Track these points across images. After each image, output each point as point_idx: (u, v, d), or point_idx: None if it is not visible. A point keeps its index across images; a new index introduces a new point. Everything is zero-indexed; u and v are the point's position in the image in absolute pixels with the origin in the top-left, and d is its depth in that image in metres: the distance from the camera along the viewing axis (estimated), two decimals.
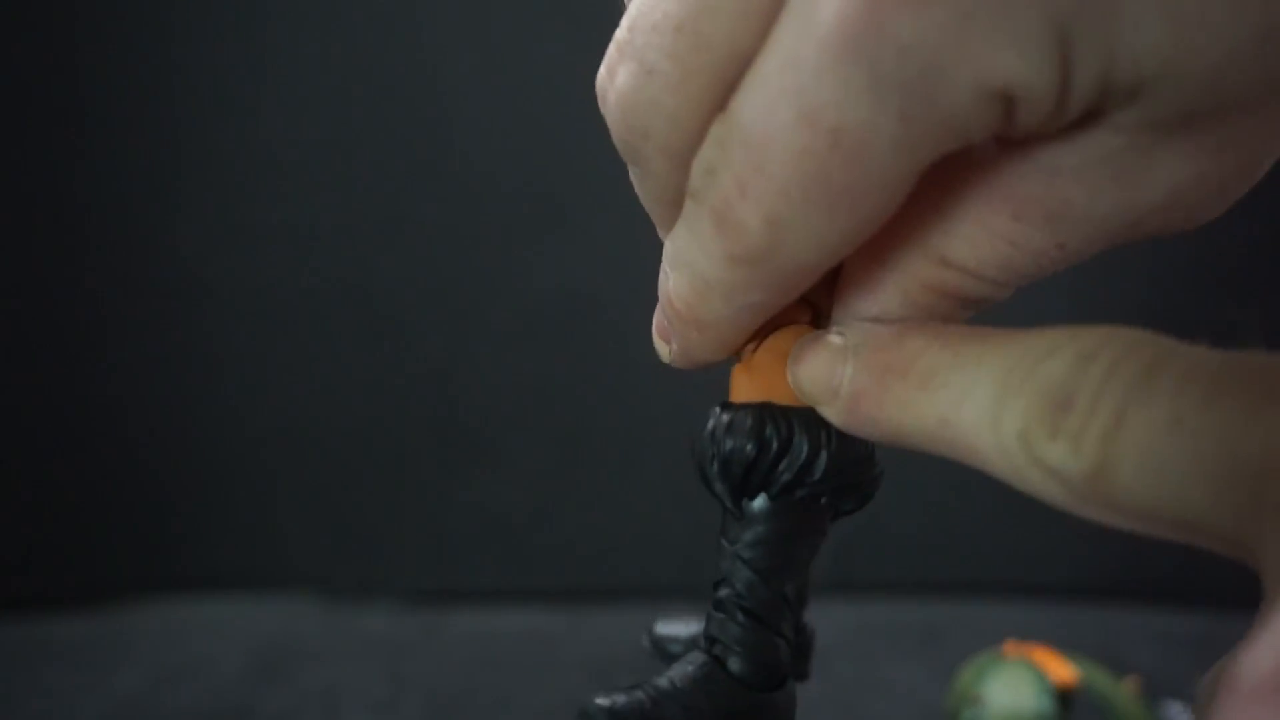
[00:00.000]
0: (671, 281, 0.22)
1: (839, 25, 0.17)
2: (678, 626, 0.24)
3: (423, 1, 0.69)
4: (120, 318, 0.71)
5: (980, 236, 0.20)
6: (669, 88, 0.19)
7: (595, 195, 0.69)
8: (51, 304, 0.71)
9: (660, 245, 0.23)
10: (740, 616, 0.21)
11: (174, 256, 0.71)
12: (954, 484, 0.70)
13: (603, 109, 0.21)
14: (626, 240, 0.71)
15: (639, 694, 0.20)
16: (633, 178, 0.22)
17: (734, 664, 0.21)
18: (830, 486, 0.21)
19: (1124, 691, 0.52)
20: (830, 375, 0.20)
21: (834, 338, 0.21)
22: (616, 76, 0.20)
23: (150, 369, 0.71)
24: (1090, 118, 0.19)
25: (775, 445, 0.21)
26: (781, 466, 0.21)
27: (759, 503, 0.21)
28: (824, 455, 0.21)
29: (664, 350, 0.23)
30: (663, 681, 0.21)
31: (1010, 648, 0.52)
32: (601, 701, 0.20)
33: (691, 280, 0.21)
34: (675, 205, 0.21)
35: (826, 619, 0.73)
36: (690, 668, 0.21)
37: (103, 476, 0.72)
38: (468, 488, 0.72)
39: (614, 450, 0.72)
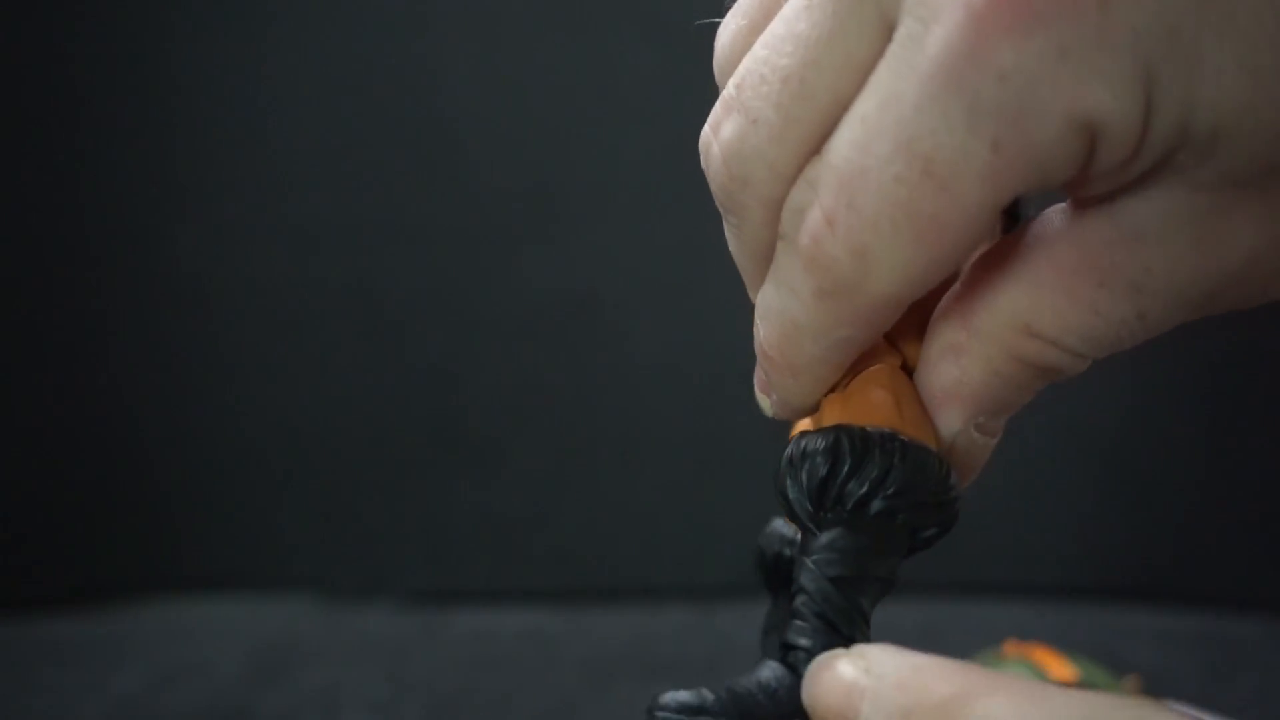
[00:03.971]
0: (762, 332, 0.23)
1: (945, 55, 0.18)
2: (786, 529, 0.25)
3: (423, 2, 0.69)
4: (120, 317, 0.71)
5: (1066, 306, 0.21)
6: (772, 136, 0.21)
7: (596, 195, 0.69)
8: (51, 304, 0.71)
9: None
10: (816, 623, 0.21)
11: (174, 256, 0.71)
12: None
13: (705, 163, 0.22)
14: (626, 240, 0.71)
15: (707, 693, 0.21)
16: (728, 231, 0.23)
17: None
18: (905, 503, 0.22)
19: (1124, 691, 0.52)
20: (845, 708, 0.20)
21: (853, 669, 0.20)
22: (721, 130, 0.22)
23: (150, 369, 0.71)
24: (1169, 170, 0.19)
25: (849, 462, 0.21)
26: (854, 482, 0.21)
27: (833, 515, 0.22)
28: (896, 472, 0.21)
29: (765, 404, 0.24)
30: (735, 684, 0.21)
31: (1010, 648, 0.52)
32: (669, 698, 0.21)
33: (782, 325, 0.22)
34: (765, 260, 0.22)
35: None
36: (765, 673, 0.21)
37: (103, 476, 0.72)
38: (468, 488, 0.72)
39: (614, 450, 0.72)
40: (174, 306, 0.71)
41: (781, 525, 0.26)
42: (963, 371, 0.22)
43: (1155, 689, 0.56)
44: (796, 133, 0.21)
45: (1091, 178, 0.20)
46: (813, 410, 0.24)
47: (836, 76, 0.20)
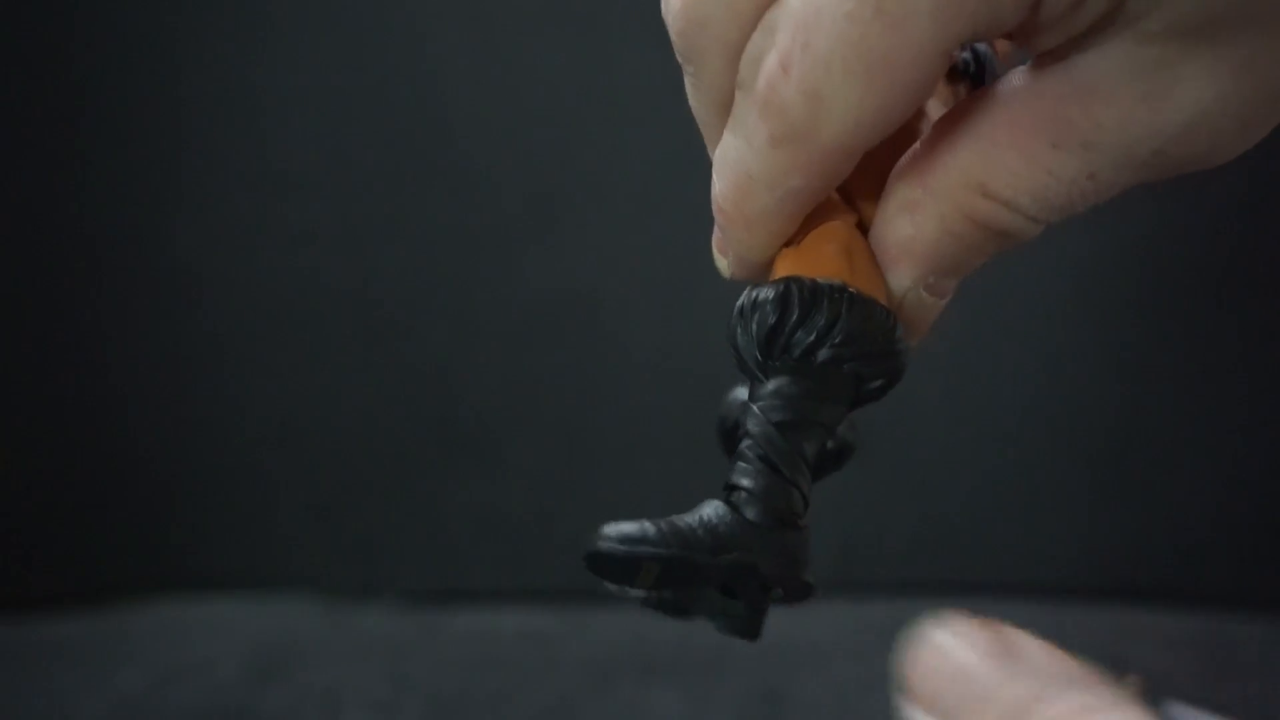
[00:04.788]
0: (718, 186, 0.23)
1: None
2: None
3: (423, 2, 0.69)
4: (120, 317, 0.71)
5: (1020, 166, 0.21)
6: None
7: (594, 195, 0.69)
8: (51, 303, 0.71)
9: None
10: (758, 464, 0.22)
11: (174, 256, 0.71)
12: (954, 484, 0.70)
13: (665, 9, 0.22)
14: (626, 240, 0.71)
15: (649, 525, 0.21)
16: (687, 83, 0.23)
17: (749, 510, 0.22)
18: (851, 353, 0.22)
19: (1124, 691, 0.52)
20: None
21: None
22: None
23: (150, 368, 0.71)
24: (1119, 21, 0.20)
25: (797, 310, 0.22)
26: (801, 331, 0.22)
27: (781, 363, 0.22)
28: (843, 322, 0.22)
29: (723, 264, 0.25)
30: (677, 519, 0.21)
31: None
32: (611, 529, 0.21)
33: (736, 176, 0.22)
34: (724, 111, 0.22)
35: (826, 619, 0.73)
36: (707, 510, 0.22)
37: (103, 476, 0.72)
38: (468, 488, 0.72)
39: (614, 450, 0.72)
40: (174, 306, 0.71)
41: (742, 392, 0.26)
42: (917, 229, 0.23)
43: (1155, 689, 0.55)
44: None
45: (1041, 23, 0.20)
46: (768, 268, 0.24)
47: None
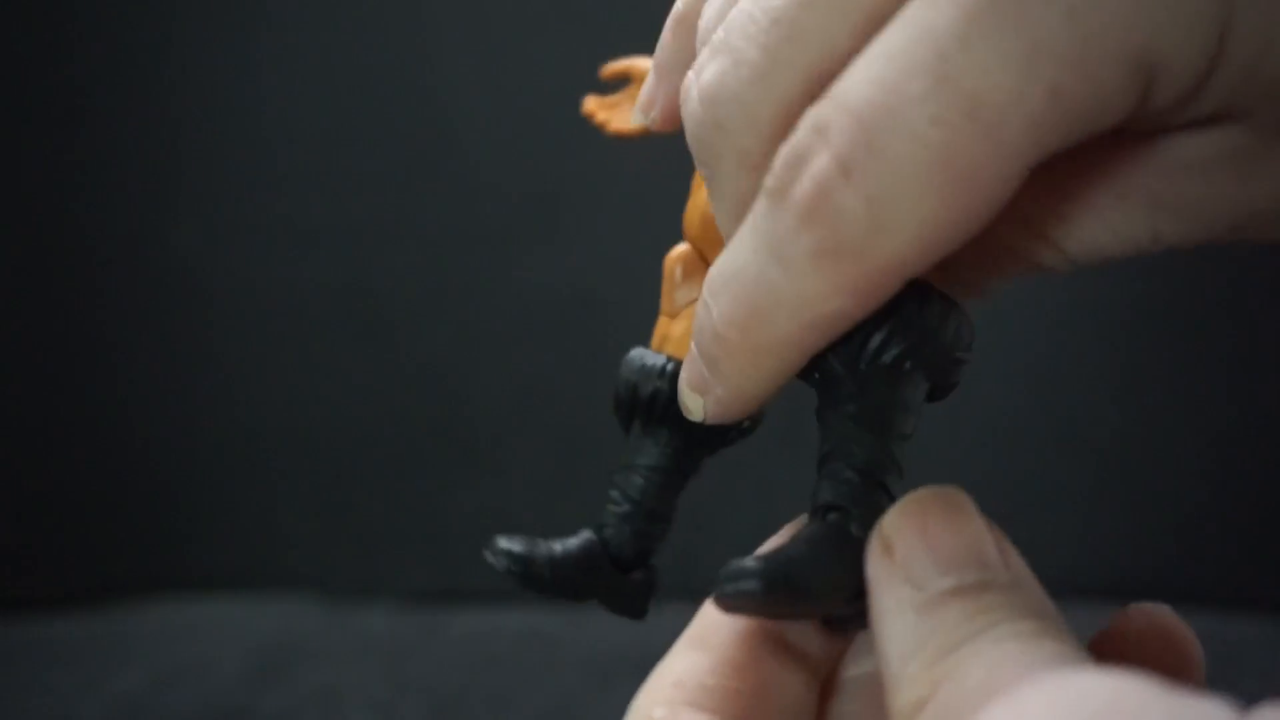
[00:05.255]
0: (719, 309, 0.20)
1: None
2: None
3: (423, 1, 0.69)
4: (120, 317, 0.71)
5: (1085, 219, 0.20)
6: (754, 78, 0.19)
7: (595, 195, 0.69)
8: (51, 304, 0.71)
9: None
10: (857, 479, 0.21)
11: (174, 256, 0.71)
12: (953, 484, 0.70)
13: (683, 110, 0.21)
14: (626, 240, 0.71)
15: (775, 560, 0.19)
16: (707, 189, 0.21)
17: (856, 527, 0.20)
18: (937, 360, 0.21)
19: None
20: None
21: None
22: (703, 73, 0.20)
23: (150, 369, 0.71)
24: (1230, 112, 0.18)
25: (887, 316, 0.20)
26: (895, 340, 0.20)
27: (869, 371, 0.21)
28: (934, 332, 0.21)
29: (697, 405, 0.22)
30: (792, 549, 0.20)
31: None
32: (751, 563, 0.19)
33: (754, 297, 0.19)
34: (742, 221, 0.20)
35: None
36: (815, 535, 0.20)
37: (103, 476, 0.72)
38: (468, 488, 0.72)
39: (614, 450, 0.72)
40: (174, 306, 0.71)
41: (648, 356, 0.25)
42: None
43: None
44: (780, 79, 0.19)
45: (1140, 119, 0.18)
46: (758, 408, 0.22)
47: (830, 20, 0.18)
